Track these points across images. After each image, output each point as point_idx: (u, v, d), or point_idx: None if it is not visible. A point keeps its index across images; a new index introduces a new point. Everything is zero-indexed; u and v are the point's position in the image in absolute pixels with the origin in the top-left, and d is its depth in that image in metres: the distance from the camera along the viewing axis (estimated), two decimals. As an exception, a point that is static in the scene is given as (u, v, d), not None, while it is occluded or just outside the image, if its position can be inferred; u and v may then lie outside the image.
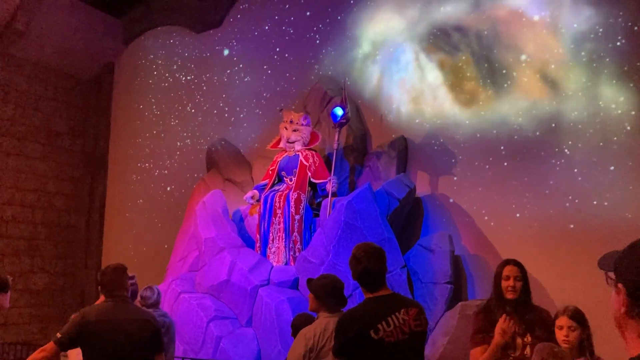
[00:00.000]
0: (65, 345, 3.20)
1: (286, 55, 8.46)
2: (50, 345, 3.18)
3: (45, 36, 9.30)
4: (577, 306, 3.11)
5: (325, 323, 3.13)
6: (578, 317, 3.04)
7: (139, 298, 4.81)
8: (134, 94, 10.21)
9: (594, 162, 5.74)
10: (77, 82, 10.31)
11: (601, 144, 5.71)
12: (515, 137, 6.27)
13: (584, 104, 5.90)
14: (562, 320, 3.04)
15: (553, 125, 6.05)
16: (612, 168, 5.64)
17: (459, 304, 5.52)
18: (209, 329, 5.88)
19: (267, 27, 8.73)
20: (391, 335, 2.61)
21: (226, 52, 9.10)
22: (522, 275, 3.35)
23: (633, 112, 5.62)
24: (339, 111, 6.63)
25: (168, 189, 9.42)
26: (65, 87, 10.07)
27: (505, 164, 6.31)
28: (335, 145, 6.69)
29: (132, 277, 4.54)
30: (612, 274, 1.30)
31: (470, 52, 6.75)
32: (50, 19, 9.23)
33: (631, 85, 5.65)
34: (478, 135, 6.52)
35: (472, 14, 6.78)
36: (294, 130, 6.96)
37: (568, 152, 5.91)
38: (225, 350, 5.70)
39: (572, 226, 5.75)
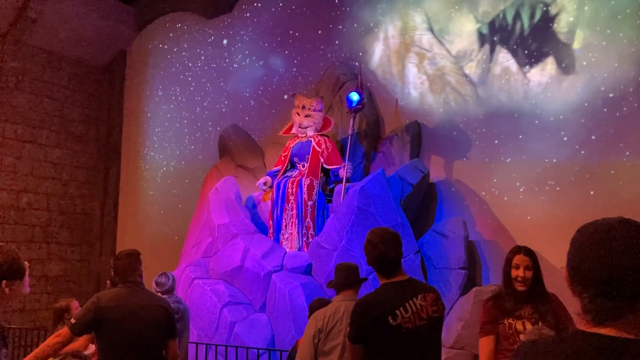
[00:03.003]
0: (79, 330, 3.21)
1: (298, 40, 8.37)
2: (65, 331, 3.19)
3: (57, 24, 9.30)
4: None
5: (336, 306, 3.21)
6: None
7: (154, 285, 4.80)
8: (146, 81, 10.20)
9: (620, 147, 5.58)
10: (90, 70, 10.33)
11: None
12: (536, 121, 6.13)
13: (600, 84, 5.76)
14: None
15: (580, 104, 5.84)
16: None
17: (473, 289, 5.48)
18: (222, 314, 5.90)
19: (278, 12, 8.64)
20: (409, 321, 2.56)
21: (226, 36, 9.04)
22: (533, 264, 3.15)
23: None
24: (354, 96, 6.54)
25: (181, 175, 9.43)
26: (78, 74, 10.09)
27: (524, 149, 6.18)
28: (350, 131, 6.62)
29: None
30: None
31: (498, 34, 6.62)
32: (62, 7, 9.22)
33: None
34: (495, 119, 6.39)
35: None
36: (306, 116, 6.89)
37: (594, 138, 5.74)
38: (239, 336, 5.72)
39: (594, 214, 5.61)
